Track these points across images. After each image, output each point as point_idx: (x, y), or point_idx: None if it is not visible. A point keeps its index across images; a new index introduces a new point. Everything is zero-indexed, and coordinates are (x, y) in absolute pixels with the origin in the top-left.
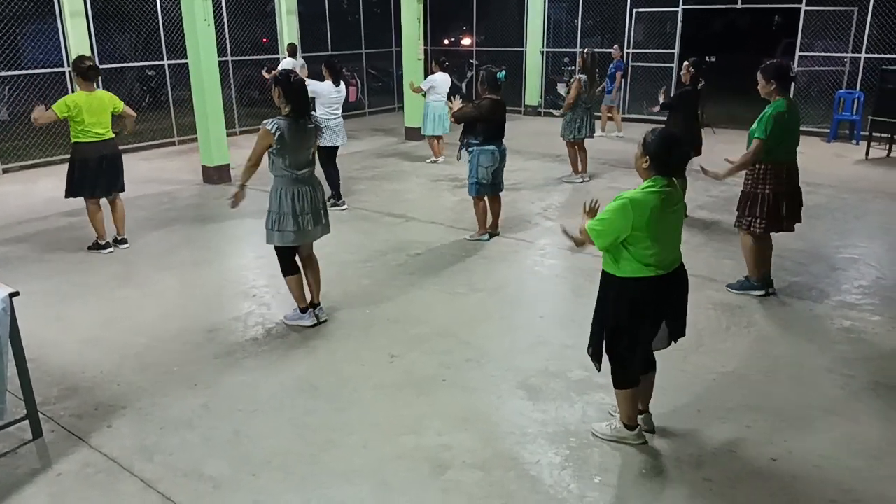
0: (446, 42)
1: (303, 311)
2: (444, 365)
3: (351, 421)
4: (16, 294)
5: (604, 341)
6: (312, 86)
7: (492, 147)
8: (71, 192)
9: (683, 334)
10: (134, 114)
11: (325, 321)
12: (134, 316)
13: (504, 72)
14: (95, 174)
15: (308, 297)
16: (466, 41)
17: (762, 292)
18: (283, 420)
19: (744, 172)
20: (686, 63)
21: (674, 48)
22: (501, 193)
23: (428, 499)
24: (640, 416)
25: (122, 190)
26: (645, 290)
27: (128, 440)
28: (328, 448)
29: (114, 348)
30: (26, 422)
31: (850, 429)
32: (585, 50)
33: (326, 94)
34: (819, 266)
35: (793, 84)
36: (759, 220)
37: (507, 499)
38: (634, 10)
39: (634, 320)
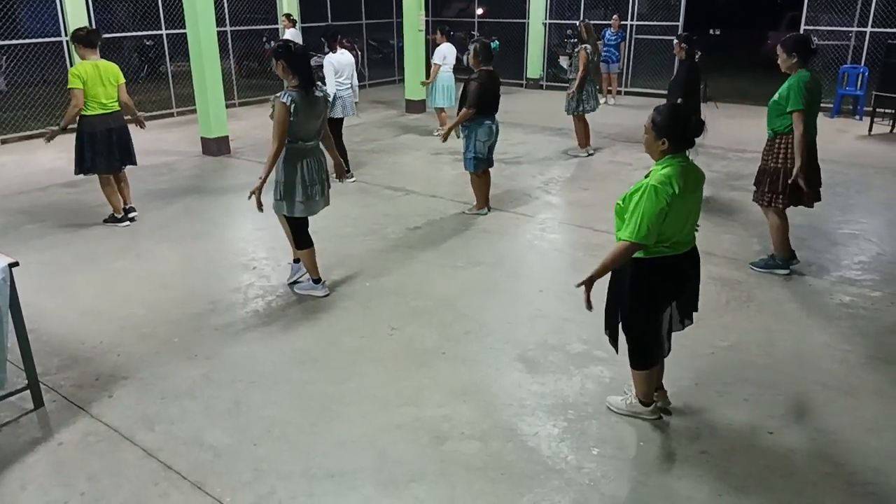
0: (467, 13)
1: (315, 281)
2: (444, 337)
3: (350, 392)
4: (15, 264)
5: (620, 324)
6: (331, 60)
7: (488, 121)
8: (82, 168)
9: (691, 318)
10: (126, 98)
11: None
12: (134, 287)
13: (496, 42)
14: (107, 148)
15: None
16: (476, 11)
17: (787, 271)
18: (283, 391)
19: (762, 148)
20: (675, 40)
21: (678, 21)
22: (497, 168)
23: (427, 469)
24: (655, 393)
25: (134, 163)
26: (661, 271)
27: (129, 410)
28: (328, 418)
29: (114, 319)
30: (27, 391)
31: (847, 403)
32: (582, 21)
33: (340, 62)
34: (820, 241)
35: (814, 54)
36: (780, 196)
37: (505, 469)
38: None
39: (652, 302)
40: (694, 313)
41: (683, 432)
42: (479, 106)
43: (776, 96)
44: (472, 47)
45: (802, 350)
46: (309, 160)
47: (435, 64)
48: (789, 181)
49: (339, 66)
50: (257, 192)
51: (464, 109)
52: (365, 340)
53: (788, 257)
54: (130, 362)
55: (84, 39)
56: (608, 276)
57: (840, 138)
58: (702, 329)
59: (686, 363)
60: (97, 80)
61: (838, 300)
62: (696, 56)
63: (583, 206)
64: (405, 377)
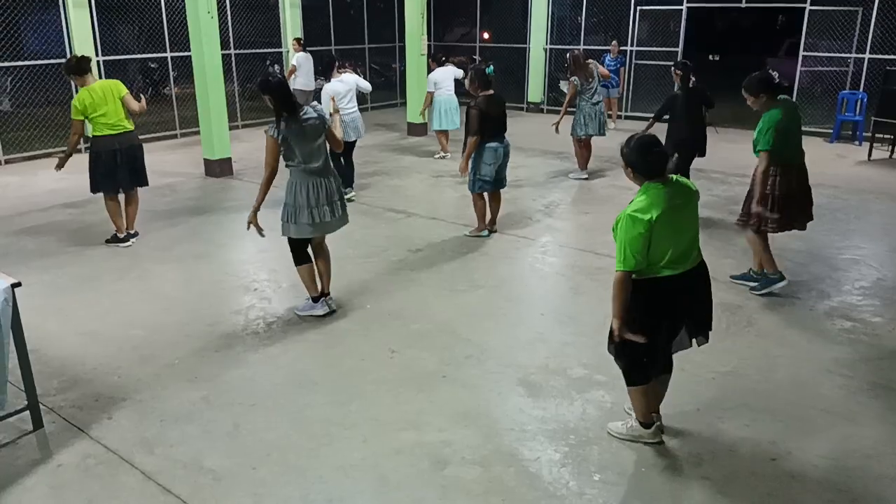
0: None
1: (314, 300)
2: (445, 361)
3: (350, 415)
4: (17, 285)
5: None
6: (327, 90)
7: (494, 144)
8: (93, 187)
9: (706, 335)
10: (135, 106)
11: (335, 311)
12: (134, 308)
13: (492, 66)
14: (111, 168)
15: (318, 286)
16: (477, 36)
17: (785, 282)
18: (283, 414)
19: (750, 173)
20: (672, 67)
21: (677, 47)
22: (503, 190)
23: (427, 494)
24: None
25: (144, 185)
26: (658, 290)
27: (128, 432)
28: (328, 442)
29: (114, 340)
30: (27, 412)
31: (849, 429)
32: (573, 51)
33: (337, 92)
34: (820, 266)
35: (781, 88)
36: (768, 221)
37: (507, 495)
38: (639, 8)
39: (650, 321)
40: (702, 336)
41: (685, 458)
42: (483, 132)
43: (755, 135)
44: (469, 74)
45: (804, 375)
46: (315, 181)
47: (428, 91)
48: (756, 209)
49: (335, 94)
50: (253, 219)
51: (469, 139)
52: (365, 363)
53: (777, 269)
54: (130, 384)
55: (74, 68)
56: (595, 295)
57: (840, 163)
58: (703, 354)
59: (688, 388)
60: (97, 103)
61: (839, 326)
62: (691, 82)
63: (584, 229)
64: (406, 401)
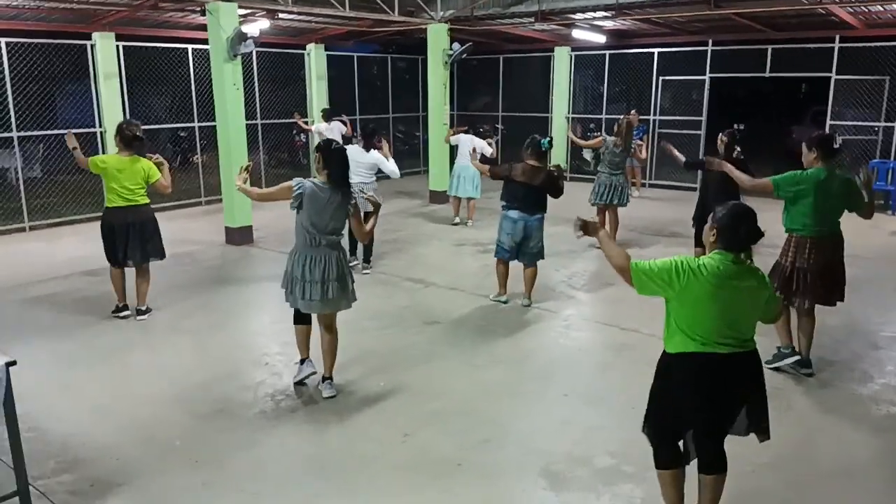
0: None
1: (301, 362)
2: (461, 445)
3: None
4: (12, 363)
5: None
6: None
7: (514, 214)
8: (107, 257)
9: (761, 429)
10: (167, 184)
11: (333, 397)
12: (143, 384)
13: (548, 139)
14: (121, 240)
15: (308, 352)
16: (496, 105)
17: (796, 357)
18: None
19: (780, 244)
20: (720, 134)
21: (701, 115)
22: (539, 262)
23: None
24: None
25: (152, 259)
26: (694, 367)
27: None
28: None
29: (119, 418)
30: (16, 498)
31: None
32: (624, 116)
33: (354, 158)
34: (859, 343)
35: (836, 153)
36: (777, 292)
37: None
38: (661, 78)
39: (677, 396)
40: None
41: None
42: (503, 191)
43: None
44: (526, 141)
45: (851, 466)
46: (314, 255)
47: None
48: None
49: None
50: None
51: (491, 167)
52: (377, 447)
53: (790, 344)
54: (130, 467)
55: (126, 140)
56: (623, 371)
57: (873, 234)
58: (740, 443)
59: (727, 483)
60: (117, 174)
61: (885, 410)
62: (735, 152)
63: (608, 301)
64: (418, 492)
